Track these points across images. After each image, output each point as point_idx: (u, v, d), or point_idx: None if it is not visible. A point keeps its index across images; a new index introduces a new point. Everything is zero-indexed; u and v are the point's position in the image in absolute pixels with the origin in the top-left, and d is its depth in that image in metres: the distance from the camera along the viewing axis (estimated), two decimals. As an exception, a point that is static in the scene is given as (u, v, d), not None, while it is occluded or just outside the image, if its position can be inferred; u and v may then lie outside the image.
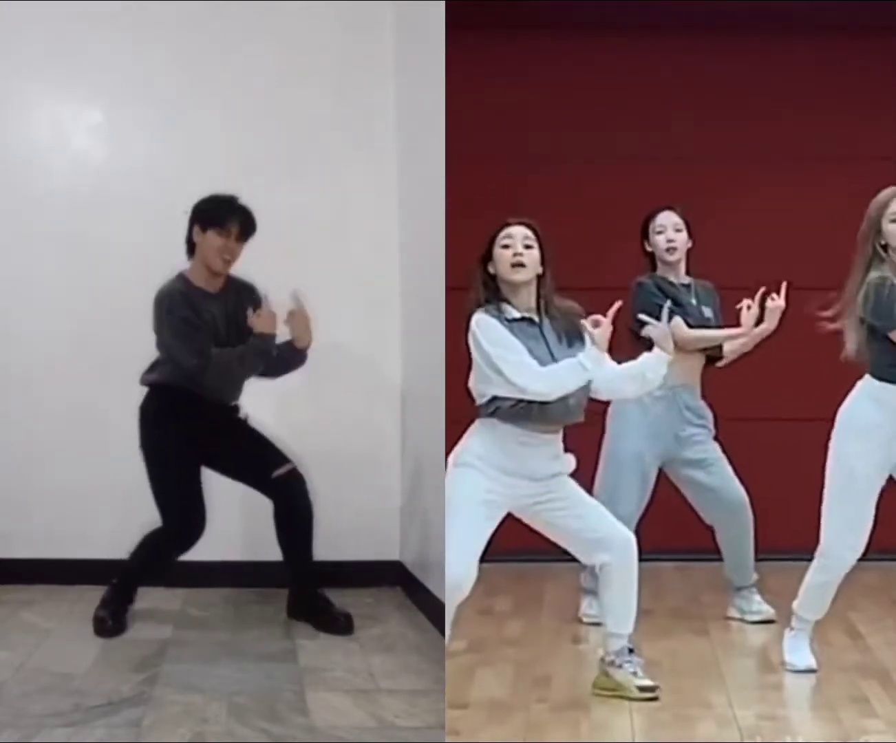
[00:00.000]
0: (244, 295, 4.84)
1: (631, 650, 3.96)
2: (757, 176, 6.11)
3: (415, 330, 5.37)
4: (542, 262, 3.83)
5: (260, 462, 4.86)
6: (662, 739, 3.68)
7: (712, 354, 4.92)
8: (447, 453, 3.88)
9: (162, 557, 4.89)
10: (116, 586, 4.86)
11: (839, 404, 4.05)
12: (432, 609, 4.73)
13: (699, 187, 5.84)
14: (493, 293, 3.80)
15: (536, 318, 3.81)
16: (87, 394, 5.45)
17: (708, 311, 4.90)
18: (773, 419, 6.08)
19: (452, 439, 3.91)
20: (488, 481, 3.76)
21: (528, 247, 3.80)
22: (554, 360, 3.76)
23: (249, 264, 4.82)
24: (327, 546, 5.17)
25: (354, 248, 5.54)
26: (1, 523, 5.42)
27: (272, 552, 4.98)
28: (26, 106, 5.54)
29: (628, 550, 3.87)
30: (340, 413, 5.50)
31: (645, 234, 4.93)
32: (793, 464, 5.63)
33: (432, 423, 4.76)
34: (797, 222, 6.05)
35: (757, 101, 6.12)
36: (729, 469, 4.89)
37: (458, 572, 3.70)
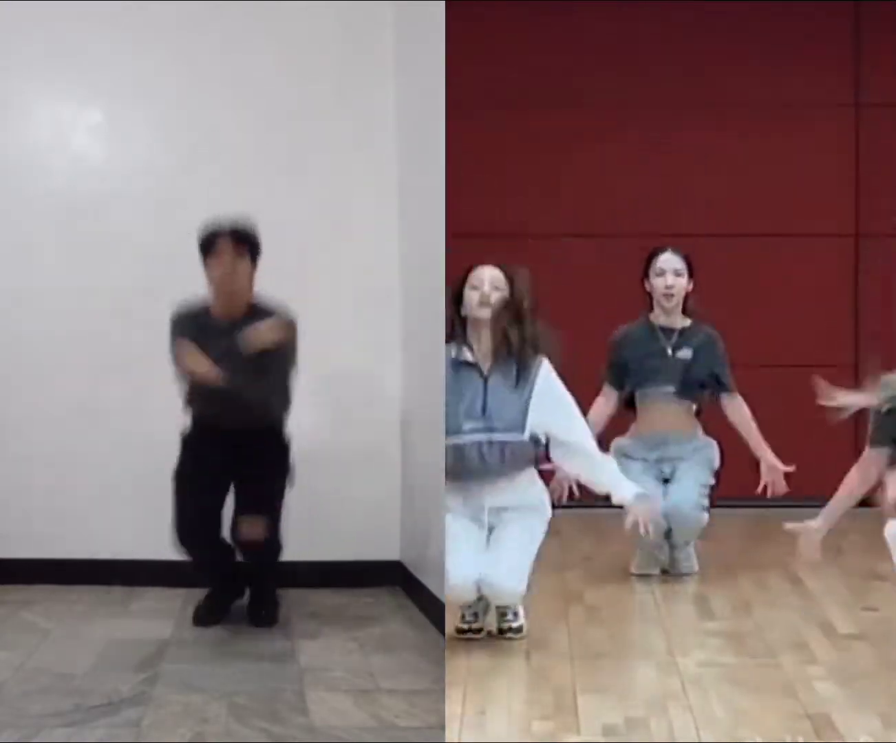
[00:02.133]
0: (259, 318, 4.62)
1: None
2: (716, 122, 6.24)
3: (415, 330, 5.37)
4: (511, 301, 4.07)
5: (239, 509, 4.75)
6: (603, 685, 3.71)
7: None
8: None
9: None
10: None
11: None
12: (432, 609, 4.72)
13: (668, 132, 5.92)
14: (460, 332, 4.11)
15: (485, 366, 4.08)
16: (86, 394, 5.44)
17: (685, 353, 4.90)
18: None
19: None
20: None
21: (496, 288, 4.08)
22: (484, 406, 4.04)
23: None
24: (327, 546, 5.18)
25: (354, 248, 5.54)
26: (1, 523, 5.42)
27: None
28: (26, 106, 5.53)
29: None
30: (340, 413, 5.49)
31: (646, 273, 4.93)
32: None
33: (432, 423, 4.76)
34: (754, 169, 6.11)
35: (714, 49, 6.32)
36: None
37: (457, 581, 4.01)
